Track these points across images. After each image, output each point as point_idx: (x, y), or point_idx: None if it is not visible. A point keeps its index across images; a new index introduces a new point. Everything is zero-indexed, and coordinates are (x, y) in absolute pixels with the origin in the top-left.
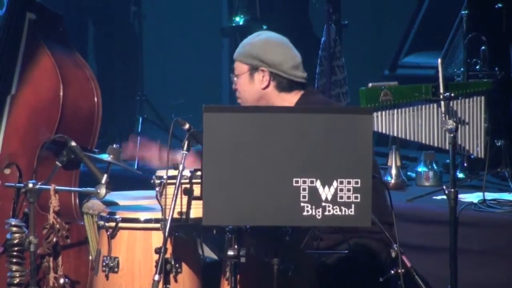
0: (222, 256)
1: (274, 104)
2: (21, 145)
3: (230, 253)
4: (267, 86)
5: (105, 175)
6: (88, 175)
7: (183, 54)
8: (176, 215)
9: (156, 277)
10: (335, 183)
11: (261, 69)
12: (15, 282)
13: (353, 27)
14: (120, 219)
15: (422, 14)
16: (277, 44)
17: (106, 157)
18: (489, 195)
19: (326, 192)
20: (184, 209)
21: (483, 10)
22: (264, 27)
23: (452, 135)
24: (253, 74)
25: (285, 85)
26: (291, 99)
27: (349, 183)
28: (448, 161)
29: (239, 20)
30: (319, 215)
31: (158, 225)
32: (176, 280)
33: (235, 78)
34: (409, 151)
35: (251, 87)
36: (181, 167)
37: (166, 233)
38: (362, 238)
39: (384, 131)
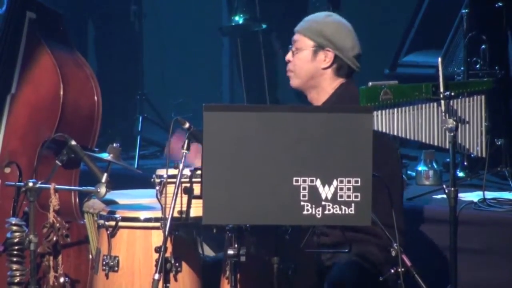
0: (222, 254)
1: (323, 85)
2: (21, 144)
3: (230, 252)
4: (328, 68)
5: (105, 174)
6: (88, 174)
7: (183, 53)
8: (176, 214)
9: (156, 276)
10: (335, 182)
11: (327, 49)
12: (16, 281)
13: (353, 26)
14: (120, 218)
15: (422, 13)
16: (348, 30)
17: (106, 156)
18: (489, 194)
19: (326, 191)
20: (184, 208)
21: (483, 9)
22: (264, 26)
23: (452, 134)
24: (317, 52)
25: (345, 70)
26: (343, 83)
27: (349, 182)
28: (448, 160)
29: (238, 19)
30: (319, 214)
31: (158, 224)
32: (176, 279)
33: (293, 50)
34: (409, 150)
35: (311, 64)
36: (181, 166)
37: (166, 232)
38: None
39: (384, 130)
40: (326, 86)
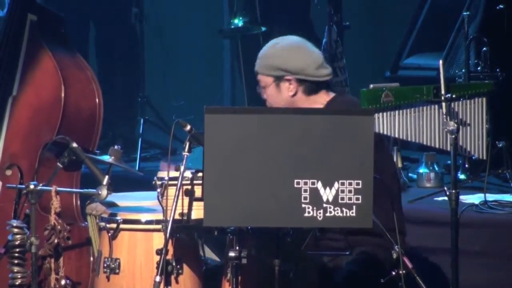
0: (223, 257)
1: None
2: (22, 147)
3: (232, 254)
4: (296, 93)
5: (107, 177)
6: (89, 177)
7: (184, 55)
8: (177, 216)
9: (157, 278)
10: (336, 184)
11: (286, 78)
12: (17, 283)
13: (354, 28)
14: (121, 220)
15: (423, 15)
16: (296, 50)
17: (107, 158)
18: (491, 197)
19: (327, 193)
20: (185, 210)
21: (484, 11)
22: (263, 29)
23: (453, 136)
24: (279, 84)
25: (313, 87)
26: (319, 99)
27: (350, 184)
28: (449, 162)
29: (238, 22)
30: (320, 216)
31: (159, 227)
32: (177, 282)
33: (262, 89)
34: (410, 153)
35: (280, 96)
36: (182, 169)
37: (167, 235)
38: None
39: (385, 132)
40: (311, 105)
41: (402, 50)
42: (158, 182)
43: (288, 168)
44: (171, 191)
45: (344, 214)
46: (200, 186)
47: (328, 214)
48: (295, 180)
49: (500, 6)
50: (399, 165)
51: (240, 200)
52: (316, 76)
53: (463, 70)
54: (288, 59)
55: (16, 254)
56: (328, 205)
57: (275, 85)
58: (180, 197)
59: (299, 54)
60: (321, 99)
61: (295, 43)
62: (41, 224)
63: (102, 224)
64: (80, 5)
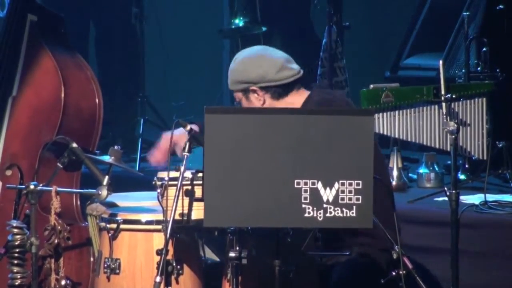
0: (224, 257)
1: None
2: (22, 147)
3: (232, 254)
4: (265, 101)
5: (107, 177)
6: (89, 177)
7: (184, 55)
8: (177, 217)
9: (158, 279)
10: (336, 185)
11: (251, 89)
12: (17, 283)
13: (354, 28)
14: (122, 220)
15: (423, 15)
16: (253, 59)
17: (107, 158)
18: (491, 197)
19: (327, 194)
20: (186, 211)
21: (484, 11)
22: (264, 29)
23: (453, 136)
24: (248, 97)
25: (280, 91)
26: (292, 100)
27: (350, 184)
28: (449, 162)
29: (239, 22)
30: (320, 217)
31: (159, 227)
32: (177, 282)
33: (239, 105)
34: (410, 153)
35: (254, 107)
36: (182, 169)
37: (168, 235)
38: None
39: (385, 133)
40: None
41: (402, 50)
42: (158, 183)
43: (288, 168)
44: (171, 191)
45: (344, 215)
46: (200, 187)
47: (328, 215)
48: (295, 180)
49: (500, 6)
50: (399, 165)
51: (240, 200)
52: (278, 80)
53: (463, 71)
54: (246, 70)
55: (16, 255)
56: (328, 206)
57: (245, 98)
58: (180, 197)
59: (256, 63)
60: (295, 100)
61: (252, 54)
62: (41, 224)
63: (102, 224)
64: (80, 5)
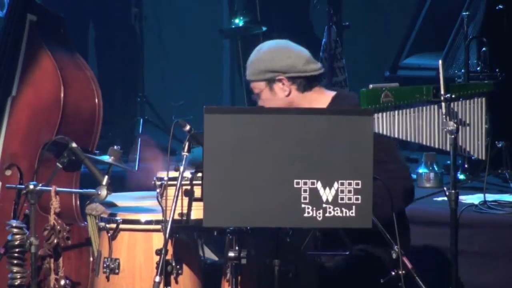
0: (223, 257)
1: (302, 106)
2: (22, 147)
3: (231, 254)
4: (290, 92)
5: (106, 177)
6: (89, 177)
7: (184, 55)
8: (177, 217)
9: (157, 279)
10: (336, 185)
11: (278, 79)
12: (16, 283)
13: (354, 28)
14: (121, 220)
15: (423, 15)
16: (281, 50)
17: (107, 158)
18: (490, 197)
19: (327, 194)
20: (185, 211)
21: (484, 11)
22: (264, 28)
23: (453, 136)
24: (272, 87)
25: (306, 83)
26: (318, 97)
27: (349, 184)
28: (448, 162)
29: (239, 22)
30: (319, 217)
31: (158, 227)
32: (177, 282)
33: (258, 96)
34: (409, 153)
35: (276, 98)
36: (181, 169)
37: (167, 235)
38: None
39: (384, 133)
40: (309, 103)
41: (401, 50)
42: (158, 182)
43: (287, 168)
44: (171, 191)
45: (344, 214)
46: (200, 186)
47: (327, 214)
48: (295, 180)
49: (500, 6)
50: None
51: (240, 200)
52: (307, 72)
53: (463, 70)
54: (275, 60)
55: (16, 254)
56: (327, 205)
57: (268, 89)
58: (179, 197)
59: (285, 53)
60: (319, 98)
61: (278, 44)
62: (40, 224)
63: (102, 224)
64: (80, 5)
